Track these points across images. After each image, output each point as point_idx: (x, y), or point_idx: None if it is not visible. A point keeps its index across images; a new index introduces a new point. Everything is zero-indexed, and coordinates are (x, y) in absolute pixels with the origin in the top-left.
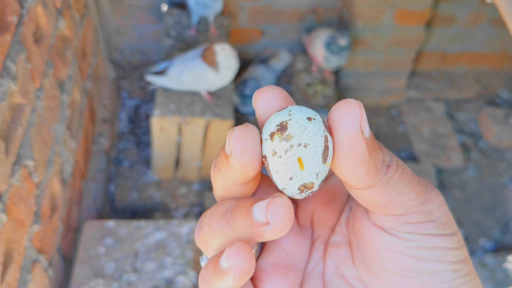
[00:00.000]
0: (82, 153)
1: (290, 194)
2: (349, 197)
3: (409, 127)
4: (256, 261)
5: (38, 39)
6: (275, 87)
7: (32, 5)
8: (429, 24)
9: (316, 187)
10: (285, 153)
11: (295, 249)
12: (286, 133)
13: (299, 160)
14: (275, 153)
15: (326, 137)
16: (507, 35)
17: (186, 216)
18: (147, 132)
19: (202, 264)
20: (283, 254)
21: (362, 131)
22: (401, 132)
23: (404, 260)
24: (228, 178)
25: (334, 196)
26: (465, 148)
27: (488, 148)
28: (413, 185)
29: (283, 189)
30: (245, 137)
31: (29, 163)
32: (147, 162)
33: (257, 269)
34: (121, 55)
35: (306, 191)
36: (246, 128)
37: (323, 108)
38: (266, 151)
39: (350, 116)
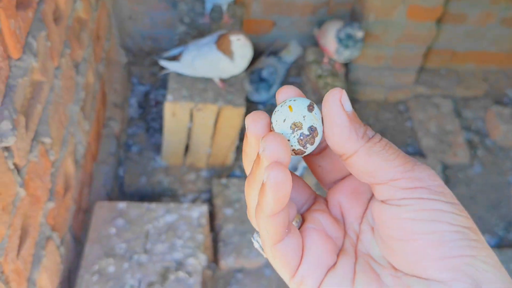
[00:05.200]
0: (93, 136)
1: (287, 138)
2: (372, 194)
3: (417, 123)
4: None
5: (56, 18)
6: (294, 87)
7: None
8: (439, 22)
9: (305, 131)
10: (281, 107)
11: (331, 227)
12: (284, 104)
13: (289, 106)
14: (275, 111)
15: (312, 104)
16: None
17: (193, 202)
18: (156, 118)
19: (254, 243)
20: (321, 226)
21: (342, 105)
22: (409, 128)
23: (407, 224)
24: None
25: (357, 191)
26: (471, 146)
27: (494, 146)
28: (398, 155)
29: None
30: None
31: (46, 140)
32: (156, 147)
33: (300, 230)
34: (133, 41)
35: (297, 130)
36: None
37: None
38: (272, 119)
39: (332, 95)
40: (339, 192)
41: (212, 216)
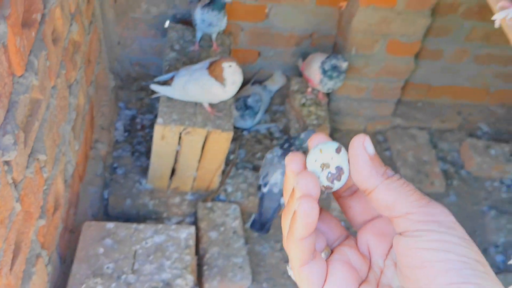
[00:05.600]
0: (81, 157)
1: (317, 175)
2: None
3: (395, 153)
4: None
5: (54, 39)
6: (323, 134)
7: (53, 7)
8: (417, 57)
9: (332, 170)
10: (313, 150)
11: (357, 260)
12: (316, 147)
13: (320, 150)
14: (309, 154)
15: (340, 147)
16: (489, 72)
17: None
18: (142, 141)
19: (289, 271)
20: (347, 258)
21: (365, 147)
22: (388, 157)
23: (419, 253)
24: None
25: (384, 231)
26: (447, 176)
27: (469, 177)
28: (415, 192)
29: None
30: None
31: (42, 157)
32: (141, 170)
33: (327, 260)
34: (121, 66)
35: (325, 169)
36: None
37: (315, 128)
38: (306, 160)
39: (357, 139)
40: (367, 231)
41: (196, 239)
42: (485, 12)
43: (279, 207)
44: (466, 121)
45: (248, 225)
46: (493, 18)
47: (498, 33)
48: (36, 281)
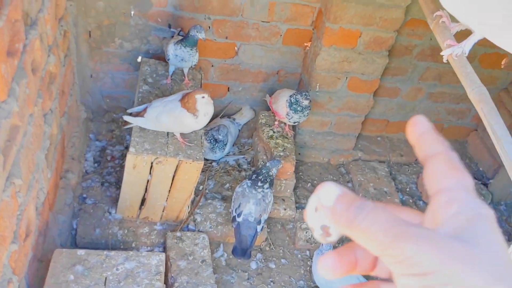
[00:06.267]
0: (52, 185)
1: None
2: None
3: (357, 184)
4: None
5: (33, 69)
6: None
7: (33, 38)
8: (375, 94)
9: (320, 231)
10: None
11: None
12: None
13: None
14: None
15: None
16: (442, 109)
17: None
18: (112, 172)
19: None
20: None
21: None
22: (350, 189)
23: None
24: None
25: None
26: (406, 206)
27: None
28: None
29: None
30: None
31: (18, 181)
32: (111, 201)
33: None
34: (93, 98)
35: (315, 231)
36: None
37: (282, 159)
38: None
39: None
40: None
41: (165, 268)
42: (437, 54)
43: (256, 234)
44: None
45: (231, 252)
46: (441, 53)
47: (450, 73)
48: None
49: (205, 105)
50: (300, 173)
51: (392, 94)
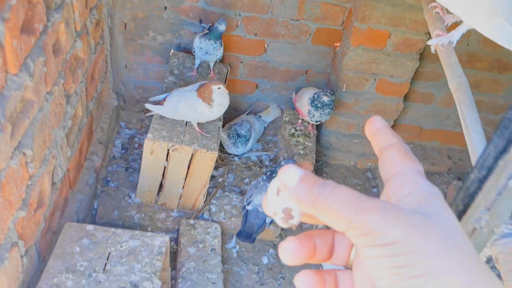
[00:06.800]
0: (74, 164)
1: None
2: None
3: (382, 190)
4: None
5: (56, 50)
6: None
7: (57, 21)
8: (408, 99)
9: (281, 214)
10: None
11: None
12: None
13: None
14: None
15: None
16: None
17: None
18: (137, 159)
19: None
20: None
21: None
22: (375, 194)
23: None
24: None
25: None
26: None
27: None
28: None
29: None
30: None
31: (28, 152)
32: (132, 186)
33: None
34: (126, 88)
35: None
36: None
37: (301, 158)
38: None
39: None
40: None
41: (176, 254)
42: (474, 61)
43: (264, 225)
44: (456, 165)
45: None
46: (428, 43)
47: (488, 81)
48: (8, 267)
49: (220, 96)
50: (325, 175)
51: (426, 100)
